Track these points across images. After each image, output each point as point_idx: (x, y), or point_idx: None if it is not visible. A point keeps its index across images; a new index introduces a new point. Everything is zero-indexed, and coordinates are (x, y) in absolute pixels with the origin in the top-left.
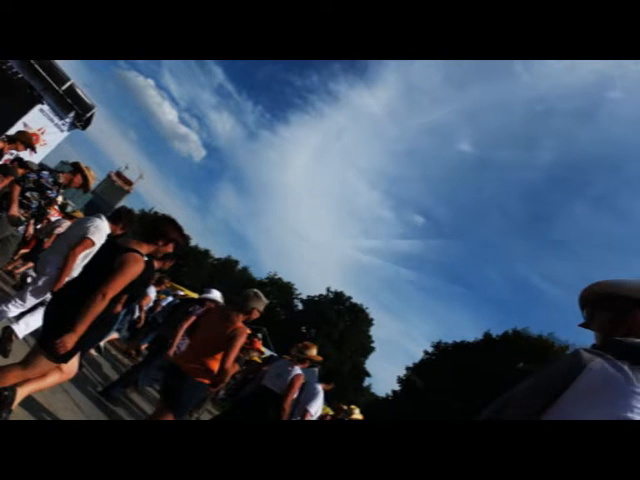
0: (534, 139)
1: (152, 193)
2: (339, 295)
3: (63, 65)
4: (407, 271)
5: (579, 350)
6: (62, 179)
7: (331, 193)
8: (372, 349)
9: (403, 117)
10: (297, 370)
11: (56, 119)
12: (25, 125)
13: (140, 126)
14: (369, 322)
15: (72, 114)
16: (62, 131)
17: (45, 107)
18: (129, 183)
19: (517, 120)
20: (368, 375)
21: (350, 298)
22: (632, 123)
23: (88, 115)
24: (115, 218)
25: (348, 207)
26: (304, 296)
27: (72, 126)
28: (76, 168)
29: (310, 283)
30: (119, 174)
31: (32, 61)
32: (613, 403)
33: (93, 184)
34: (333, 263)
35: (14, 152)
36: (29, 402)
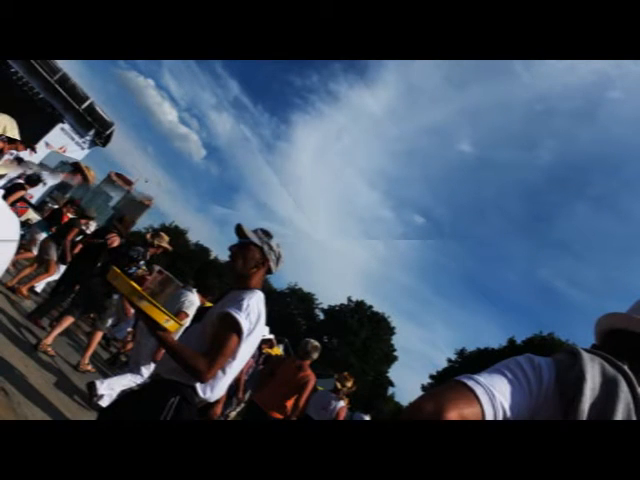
0: (534, 139)
1: (171, 207)
2: (360, 304)
3: (63, 64)
4: (418, 275)
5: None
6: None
7: (331, 193)
8: (395, 358)
9: (403, 117)
10: (341, 403)
11: (77, 137)
12: (47, 144)
13: (141, 126)
14: (391, 331)
15: (92, 132)
16: (83, 149)
17: (66, 126)
18: (149, 198)
19: (517, 120)
20: (392, 384)
21: (371, 307)
22: (632, 123)
23: (108, 132)
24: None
25: (348, 207)
26: (325, 306)
27: (92, 144)
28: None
29: (329, 290)
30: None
31: (52, 81)
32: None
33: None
34: (344, 266)
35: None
36: (29, 401)
